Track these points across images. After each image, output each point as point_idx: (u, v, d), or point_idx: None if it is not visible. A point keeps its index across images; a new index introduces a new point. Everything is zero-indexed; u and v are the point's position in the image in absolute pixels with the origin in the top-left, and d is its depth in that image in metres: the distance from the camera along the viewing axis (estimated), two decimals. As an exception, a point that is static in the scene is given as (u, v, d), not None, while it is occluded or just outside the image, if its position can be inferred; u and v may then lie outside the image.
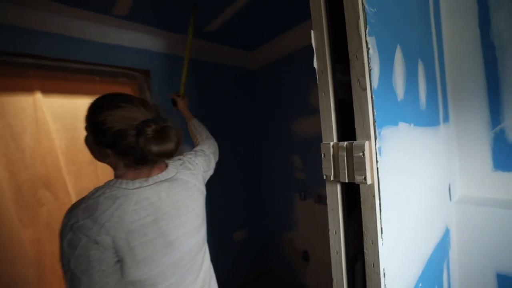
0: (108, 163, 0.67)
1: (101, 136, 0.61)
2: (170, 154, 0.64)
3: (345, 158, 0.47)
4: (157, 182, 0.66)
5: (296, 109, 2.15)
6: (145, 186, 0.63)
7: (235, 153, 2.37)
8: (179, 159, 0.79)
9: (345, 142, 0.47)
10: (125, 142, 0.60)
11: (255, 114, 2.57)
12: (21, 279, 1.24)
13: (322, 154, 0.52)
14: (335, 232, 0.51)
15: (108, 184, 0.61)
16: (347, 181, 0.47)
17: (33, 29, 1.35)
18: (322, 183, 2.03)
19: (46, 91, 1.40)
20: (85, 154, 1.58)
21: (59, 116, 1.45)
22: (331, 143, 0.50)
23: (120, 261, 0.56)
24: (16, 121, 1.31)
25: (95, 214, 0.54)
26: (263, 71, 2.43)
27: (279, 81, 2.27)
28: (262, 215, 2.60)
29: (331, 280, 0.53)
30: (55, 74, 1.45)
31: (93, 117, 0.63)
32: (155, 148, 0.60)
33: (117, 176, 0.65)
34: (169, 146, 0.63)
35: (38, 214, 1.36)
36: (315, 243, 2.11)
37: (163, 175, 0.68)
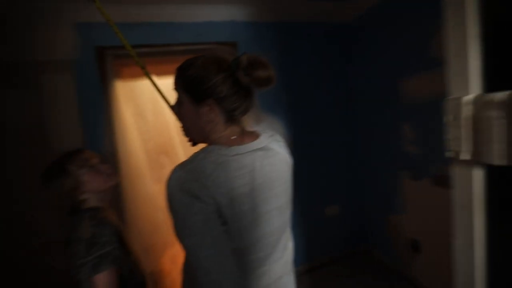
0: (204, 127, 0.63)
1: (199, 86, 0.60)
2: (272, 80, 0.59)
3: (503, 122, 0.25)
4: (252, 150, 0.62)
5: (408, 64, 1.65)
6: (242, 154, 0.60)
7: (326, 119, 2.15)
8: (267, 132, 0.73)
9: (503, 93, 0.25)
10: (225, 83, 0.59)
11: (349, 74, 2.19)
12: (154, 220, 1.64)
13: (448, 117, 0.31)
14: (467, 244, 0.31)
15: (206, 150, 0.59)
16: (498, 164, 0.26)
17: (140, 22, 1.59)
18: (443, 161, 1.54)
19: (157, 74, 1.67)
20: (154, 130, 1.86)
21: (130, 97, 1.71)
22: (467, 98, 0.28)
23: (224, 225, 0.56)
24: (141, 101, 1.64)
25: (201, 176, 0.54)
26: (360, 21, 1.98)
27: (382, 30, 1.79)
28: (359, 192, 2.32)
29: (450, 281, 0.34)
30: (164, 59, 1.69)
31: (186, 72, 0.63)
32: (259, 73, 0.57)
33: (212, 143, 0.63)
34: (270, 70, 0.58)
35: (161, 174, 1.73)
36: (430, 233, 1.70)
37: (256, 144, 0.64)
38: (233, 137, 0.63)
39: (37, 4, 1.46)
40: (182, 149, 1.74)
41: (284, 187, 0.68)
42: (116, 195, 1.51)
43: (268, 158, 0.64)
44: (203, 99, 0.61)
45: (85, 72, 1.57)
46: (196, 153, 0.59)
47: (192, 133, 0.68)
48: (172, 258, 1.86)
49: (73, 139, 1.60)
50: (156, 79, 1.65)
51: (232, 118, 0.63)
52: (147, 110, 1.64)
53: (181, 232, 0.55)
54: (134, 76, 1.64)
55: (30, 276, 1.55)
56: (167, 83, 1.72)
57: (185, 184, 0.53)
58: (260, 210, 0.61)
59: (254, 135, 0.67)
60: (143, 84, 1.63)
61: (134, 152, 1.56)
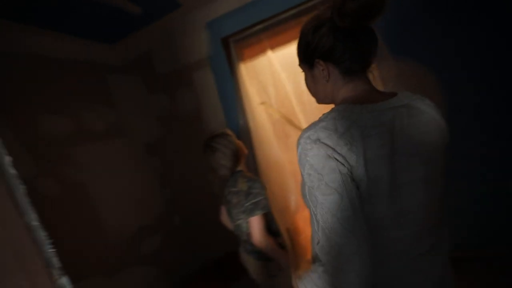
0: (325, 89, 0.61)
1: (305, 50, 0.60)
2: (376, 3, 0.46)
3: None
4: (392, 107, 0.52)
5: None
6: (379, 110, 0.51)
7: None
8: (408, 92, 0.59)
9: None
10: (326, 36, 0.54)
11: None
12: (285, 186, 1.80)
13: None
14: None
15: (338, 108, 0.52)
16: None
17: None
18: None
19: (273, 47, 1.72)
20: (307, 95, 1.82)
21: (284, 64, 1.74)
22: None
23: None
24: (263, 77, 1.78)
25: (335, 134, 0.48)
26: None
27: None
28: None
29: None
30: (275, 30, 1.71)
31: (297, 45, 0.63)
32: (353, 3, 0.46)
33: (342, 101, 0.57)
34: None
35: (287, 143, 1.85)
36: None
37: (395, 101, 0.54)
38: (363, 95, 0.56)
39: (177, 15, 1.87)
40: (303, 118, 1.76)
41: (432, 154, 0.54)
42: (252, 163, 1.78)
43: (412, 117, 0.52)
44: (312, 61, 0.59)
45: (218, 63, 1.88)
46: (327, 112, 0.53)
47: (321, 99, 0.66)
48: (305, 218, 2.01)
49: (218, 119, 2.01)
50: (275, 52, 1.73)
51: (350, 72, 0.57)
52: (269, 85, 1.76)
53: (317, 190, 0.49)
54: (254, 55, 1.78)
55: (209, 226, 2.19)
56: (283, 54, 1.77)
57: (320, 140, 0.49)
58: (401, 178, 0.50)
59: (391, 94, 0.57)
60: (264, 61, 1.75)
61: (262, 124, 1.75)
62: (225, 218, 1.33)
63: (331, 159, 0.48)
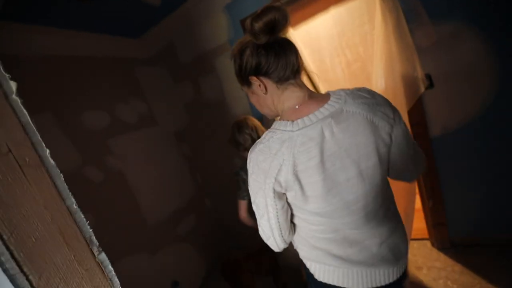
0: (264, 103, 0.69)
1: (238, 72, 0.68)
2: (277, 21, 0.56)
3: None
4: (320, 119, 0.59)
5: None
6: (308, 126, 0.59)
7: None
8: (343, 90, 0.65)
9: None
10: (251, 55, 0.62)
11: None
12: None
13: None
14: None
15: (272, 129, 0.63)
16: None
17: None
18: None
19: (294, 24, 1.64)
20: (333, 71, 1.73)
21: (307, 42, 1.65)
22: None
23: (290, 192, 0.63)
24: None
25: (269, 156, 0.60)
26: None
27: None
28: None
29: None
30: (296, 6, 1.61)
31: (236, 64, 0.68)
32: (258, 24, 0.56)
33: (281, 118, 0.66)
34: (270, 13, 0.55)
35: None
36: None
37: (325, 110, 0.60)
38: (297, 107, 0.63)
39: (196, 1, 1.85)
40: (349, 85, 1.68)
41: (366, 150, 0.61)
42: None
43: (340, 123, 0.59)
44: (248, 80, 0.66)
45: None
46: (266, 132, 0.64)
47: (268, 114, 0.72)
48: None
49: (241, 104, 2.01)
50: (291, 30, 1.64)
51: (282, 80, 0.62)
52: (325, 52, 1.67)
53: (253, 203, 0.68)
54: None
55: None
56: (305, 30, 1.67)
57: (257, 166, 0.62)
58: (337, 179, 0.60)
59: (324, 99, 0.63)
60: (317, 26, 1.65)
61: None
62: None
63: (261, 190, 0.63)
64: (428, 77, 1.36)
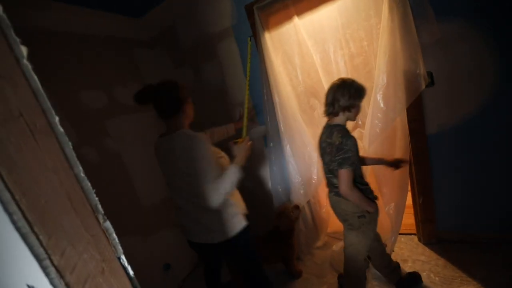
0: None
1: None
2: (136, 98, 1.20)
3: None
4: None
5: None
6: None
7: None
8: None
9: None
10: None
11: None
12: (308, 159, 1.80)
13: None
14: None
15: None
16: None
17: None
18: None
19: (299, 13, 1.62)
20: (335, 64, 1.73)
21: (311, 32, 1.64)
22: None
23: None
24: (288, 47, 1.70)
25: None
26: None
27: None
28: None
29: None
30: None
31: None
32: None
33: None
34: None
35: (312, 116, 1.80)
36: None
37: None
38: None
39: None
40: None
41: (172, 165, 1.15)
42: (277, 136, 1.79)
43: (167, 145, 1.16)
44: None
45: (242, 33, 1.83)
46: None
47: None
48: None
49: (242, 91, 2.01)
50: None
51: (162, 118, 1.20)
52: (294, 54, 1.69)
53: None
54: (280, 23, 1.70)
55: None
56: (310, 20, 1.66)
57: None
58: (169, 178, 1.23)
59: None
60: (289, 29, 1.66)
61: (287, 96, 1.71)
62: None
63: None
64: (430, 74, 1.38)
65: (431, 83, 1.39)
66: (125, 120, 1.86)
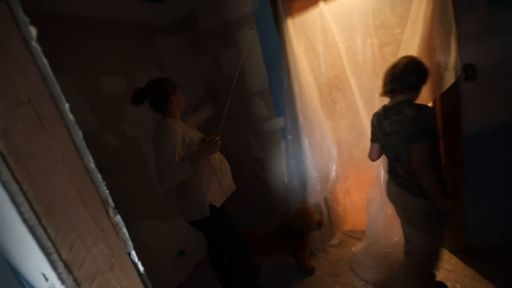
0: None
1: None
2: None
3: None
4: None
5: None
6: None
7: None
8: None
9: None
10: None
11: None
12: (327, 155, 1.72)
13: None
14: None
15: None
16: None
17: None
18: None
19: (326, -3, 1.50)
20: (363, 53, 1.60)
21: (337, 18, 1.52)
22: None
23: None
24: (311, 34, 1.60)
25: None
26: None
27: None
28: None
29: None
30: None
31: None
32: None
33: None
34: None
35: (333, 109, 1.71)
36: None
37: None
38: None
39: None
40: (354, 81, 1.56)
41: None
42: (295, 128, 1.72)
43: None
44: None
45: (263, 19, 1.75)
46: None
47: None
48: (345, 189, 1.94)
49: (261, 80, 1.94)
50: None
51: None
52: (318, 42, 1.58)
53: None
54: (304, 8, 1.59)
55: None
56: (338, 5, 1.54)
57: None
58: None
59: None
60: (314, 15, 1.55)
61: (308, 87, 1.63)
62: (374, 154, 1.33)
63: None
64: (471, 67, 1.24)
65: (472, 76, 1.25)
66: (144, 107, 1.87)
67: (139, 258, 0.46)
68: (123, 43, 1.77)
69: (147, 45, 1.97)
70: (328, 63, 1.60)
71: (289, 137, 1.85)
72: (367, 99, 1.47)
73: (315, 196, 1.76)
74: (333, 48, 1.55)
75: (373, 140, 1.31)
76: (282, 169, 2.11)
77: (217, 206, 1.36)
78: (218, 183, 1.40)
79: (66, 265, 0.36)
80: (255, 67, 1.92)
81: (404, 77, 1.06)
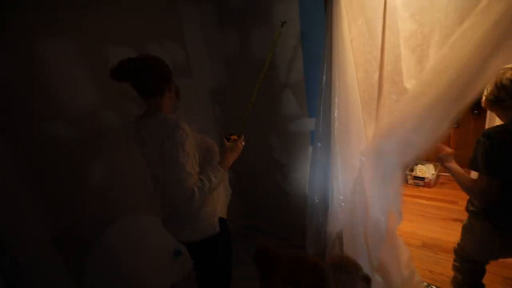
0: None
1: None
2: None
3: None
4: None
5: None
6: None
7: None
8: None
9: None
10: None
11: None
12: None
13: None
14: None
15: None
16: None
17: None
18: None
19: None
20: (434, 48, 1.12)
21: (409, 2, 1.08)
22: None
23: None
24: (371, 12, 1.17)
25: None
26: None
27: None
28: None
29: None
30: None
31: None
32: None
33: None
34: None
35: (381, 118, 1.29)
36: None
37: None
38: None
39: None
40: (417, 80, 1.12)
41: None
42: (326, 131, 1.35)
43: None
44: None
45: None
46: None
47: None
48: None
49: (295, 68, 1.57)
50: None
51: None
52: (377, 25, 1.16)
53: None
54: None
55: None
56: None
57: None
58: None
59: None
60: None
61: (353, 85, 1.23)
62: (492, 194, 0.97)
63: None
64: None
65: None
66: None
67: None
68: (140, 9, 1.51)
69: (169, 14, 1.68)
70: (389, 55, 1.17)
71: (319, 144, 1.49)
72: (445, 112, 1.02)
73: (335, 225, 1.42)
74: (394, 35, 1.12)
75: (491, 172, 0.92)
76: (304, 179, 1.77)
77: (225, 218, 1.14)
78: (223, 189, 1.17)
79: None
80: (290, 52, 1.55)
81: None
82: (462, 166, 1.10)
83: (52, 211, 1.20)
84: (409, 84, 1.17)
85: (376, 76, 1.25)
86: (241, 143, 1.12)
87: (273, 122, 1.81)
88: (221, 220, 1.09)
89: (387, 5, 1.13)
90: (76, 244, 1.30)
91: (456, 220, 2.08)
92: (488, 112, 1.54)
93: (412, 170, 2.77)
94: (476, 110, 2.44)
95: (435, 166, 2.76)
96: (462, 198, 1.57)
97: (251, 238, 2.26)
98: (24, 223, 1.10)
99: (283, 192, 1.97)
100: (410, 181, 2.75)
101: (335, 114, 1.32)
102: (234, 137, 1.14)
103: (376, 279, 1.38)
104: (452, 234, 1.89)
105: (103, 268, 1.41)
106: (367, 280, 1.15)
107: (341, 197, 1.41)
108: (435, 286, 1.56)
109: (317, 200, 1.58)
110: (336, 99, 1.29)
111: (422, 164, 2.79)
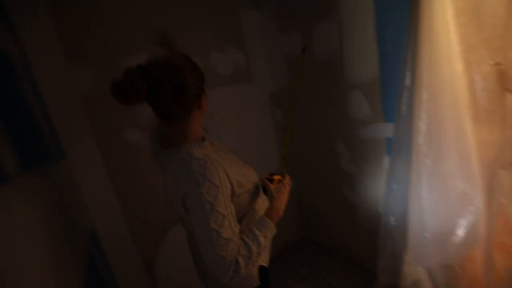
0: None
1: None
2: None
3: None
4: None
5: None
6: None
7: None
8: None
9: None
10: None
11: None
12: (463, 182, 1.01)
13: None
14: None
15: None
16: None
17: None
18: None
19: None
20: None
21: None
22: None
23: None
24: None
25: None
26: None
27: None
28: None
29: None
30: None
31: None
32: None
33: None
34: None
35: (493, 128, 0.94)
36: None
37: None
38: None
39: None
40: None
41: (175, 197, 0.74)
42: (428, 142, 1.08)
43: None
44: None
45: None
46: None
47: None
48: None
49: (367, 68, 1.34)
50: None
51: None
52: (484, 11, 0.83)
53: None
54: None
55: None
56: None
57: None
58: None
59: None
60: None
61: (451, 84, 0.94)
62: None
63: None
64: None
65: None
66: (219, 93, 1.67)
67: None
68: (205, 19, 1.57)
69: (231, 21, 1.70)
70: (508, 48, 0.83)
71: (397, 154, 1.22)
72: None
73: (420, 258, 1.12)
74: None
75: None
76: (377, 194, 1.51)
77: (267, 266, 0.91)
78: None
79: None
80: (361, 44, 1.33)
81: None
82: None
83: (131, 208, 1.38)
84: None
85: (485, 66, 0.91)
86: (288, 184, 0.89)
87: (340, 126, 1.61)
88: (261, 269, 0.88)
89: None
90: (148, 237, 1.47)
91: None
92: None
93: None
94: None
95: None
96: None
97: (308, 251, 2.12)
98: (109, 218, 1.30)
99: (350, 206, 1.74)
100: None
101: (422, 120, 1.05)
102: (278, 177, 0.91)
103: None
104: None
105: (170, 260, 1.55)
106: None
107: (425, 225, 1.11)
108: None
109: (394, 223, 1.31)
110: (424, 101, 1.02)
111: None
